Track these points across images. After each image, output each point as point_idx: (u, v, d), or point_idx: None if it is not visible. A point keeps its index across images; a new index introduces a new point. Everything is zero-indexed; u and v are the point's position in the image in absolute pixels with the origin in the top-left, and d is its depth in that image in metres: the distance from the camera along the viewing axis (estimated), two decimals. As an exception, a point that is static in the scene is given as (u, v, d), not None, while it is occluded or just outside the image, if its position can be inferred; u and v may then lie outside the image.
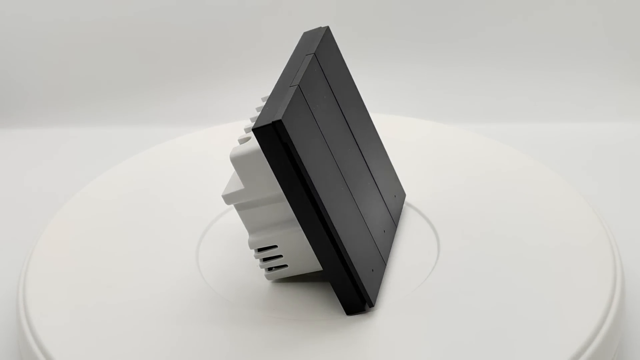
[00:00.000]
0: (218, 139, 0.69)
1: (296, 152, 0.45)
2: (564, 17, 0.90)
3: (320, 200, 0.46)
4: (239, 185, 0.50)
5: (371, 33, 0.91)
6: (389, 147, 0.63)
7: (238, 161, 0.48)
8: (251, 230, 0.51)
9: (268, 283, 0.54)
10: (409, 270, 0.54)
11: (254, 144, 0.48)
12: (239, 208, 0.51)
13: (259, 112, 0.51)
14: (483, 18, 0.90)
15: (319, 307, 0.51)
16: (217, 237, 0.59)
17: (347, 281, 0.49)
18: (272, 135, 0.44)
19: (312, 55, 0.50)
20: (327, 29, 0.54)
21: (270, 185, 0.49)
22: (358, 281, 0.49)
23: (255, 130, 0.44)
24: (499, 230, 0.57)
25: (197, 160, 0.68)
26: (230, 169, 0.54)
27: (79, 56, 0.91)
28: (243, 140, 0.49)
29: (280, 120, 0.44)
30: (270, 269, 0.53)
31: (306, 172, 0.46)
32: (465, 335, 0.49)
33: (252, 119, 0.51)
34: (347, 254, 0.48)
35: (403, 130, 0.71)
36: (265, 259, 0.52)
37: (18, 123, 0.88)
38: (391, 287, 0.53)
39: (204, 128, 0.74)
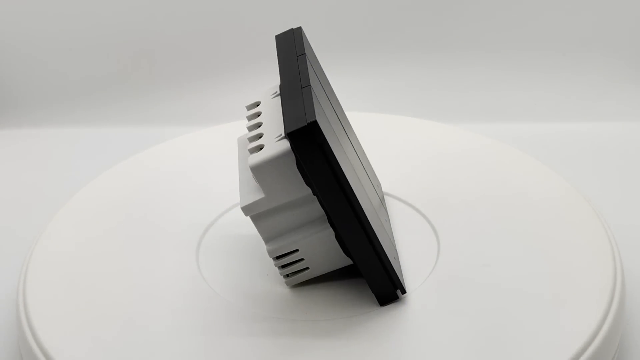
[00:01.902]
0: (218, 139, 0.69)
1: (330, 150, 0.45)
2: (564, 17, 0.90)
3: (355, 195, 0.47)
4: (257, 194, 0.49)
5: (371, 33, 0.91)
6: (387, 145, 0.64)
7: (259, 169, 0.47)
8: (268, 238, 0.51)
9: (274, 285, 0.54)
10: (415, 257, 0.55)
11: (272, 150, 0.47)
12: (255, 218, 0.50)
13: (253, 121, 0.51)
14: (483, 18, 0.90)
15: (342, 304, 0.52)
16: (217, 237, 0.59)
17: (381, 271, 0.50)
18: (307, 137, 0.45)
19: (303, 55, 0.51)
20: (300, 29, 0.54)
21: (291, 190, 0.49)
22: (391, 270, 0.50)
23: (291, 133, 0.44)
24: (498, 229, 0.57)
25: (197, 160, 0.68)
26: (231, 170, 0.54)
27: (79, 56, 0.91)
28: (254, 149, 0.48)
29: (315, 121, 0.44)
30: (287, 275, 0.53)
31: (340, 169, 0.46)
32: (492, 308, 0.51)
33: (249, 128, 0.51)
34: (380, 245, 0.49)
35: (402, 129, 0.71)
36: (284, 265, 0.52)
37: (18, 123, 0.88)
38: (407, 274, 0.53)
39: (204, 128, 0.74)
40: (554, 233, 0.57)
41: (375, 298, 0.51)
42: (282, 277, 0.53)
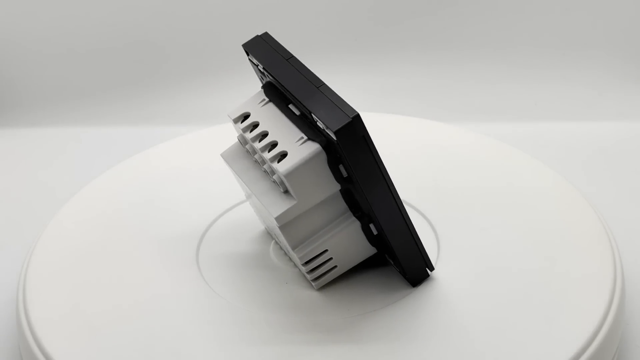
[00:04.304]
0: (218, 139, 0.69)
1: (371, 142, 0.46)
2: (564, 16, 0.90)
3: (392, 183, 0.48)
4: (288, 201, 0.49)
5: (370, 33, 0.91)
6: (388, 145, 0.63)
7: (293, 174, 0.47)
8: (295, 244, 0.51)
9: (275, 285, 0.54)
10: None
11: (301, 154, 0.47)
12: (285, 226, 0.50)
13: (255, 132, 0.50)
14: (483, 18, 0.90)
15: (372, 297, 0.53)
16: (217, 237, 0.59)
17: (416, 252, 0.51)
18: (353, 131, 0.45)
19: (293, 58, 0.50)
20: (267, 34, 0.53)
21: (320, 190, 0.49)
22: (422, 250, 0.52)
23: (338, 131, 0.45)
24: (497, 229, 0.57)
25: (197, 160, 0.68)
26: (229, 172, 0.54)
27: (79, 56, 0.91)
28: (275, 157, 0.48)
29: (358, 115, 0.45)
30: (317, 277, 0.53)
31: (380, 159, 0.47)
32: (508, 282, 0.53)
33: (252, 138, 0.50)
34: (414, 228, 0.51)
35: (402, 129, 0.71)
36: (313, 269, 0.52)
37: (18, 123, 0.88)
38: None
39: (204, 128, 0.74)
40: (554, 232, 0.57)
41: (393, 289, 0.53)
42: (303, 281, 0.53)
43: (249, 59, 0.52)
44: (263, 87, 0.52)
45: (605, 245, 0.56)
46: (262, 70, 0.51)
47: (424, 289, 0.53)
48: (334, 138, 0.45)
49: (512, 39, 0.90)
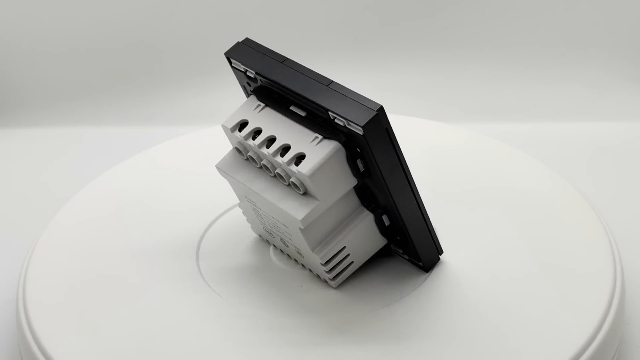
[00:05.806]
0: (218, 139, 0.69)
1: (393, 133, 0.47)
2: (564, 16, 0.90)
3: (410, 173, 0.49)
4: (310, 202, 0.48)
5: (370, 32, 0.91)
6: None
7: (316, 174, 0.47)
8: (314, 245, 0.51)
9: (291, 289, 0.54)
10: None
11: (320, 153, 0.47)
12: (306, 228, 0.49)
13: (261, 138, 0.49)
14: (483, 18, 0.90)
15: (385, 291, 0.53)
16: (217, 237, 0.59)
17: (429, 237, 0.53)
18: (377, 124, 0.45)
19: (288, 60, 0.50)
20: (249, 40, 0.52)
21: (339, 187, 0.49)
22: (434, 234, 0.53)
23: (366, 125, 0.45)
24: (497, 229, 0.57)
25: (197, 161, 0.67)
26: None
27: (79, 56, 0.91)
28: (292, 160, 0.47)
29: (382, 107, 0.45)
30: (336, 275, 0.53)
31: (400, 150, 0.48)
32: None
33: (259, 144, 0.49)
34: (427, 214, 0.52)
35: (402, 129, 0.71)
36: (332, 267, 0.52)
37: (18, 123, 0.88)
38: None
39: (204, 128, 0.74)
40: (553, 232, 0.57)
41: (408, 278, 0.54)
42: (317, 282, 0.54)
43: (232, 67, 0.51)
44: (254, 92, 0.51)
45: (605, 245, 0.56)
46: (252, 76, 0.50)
47: (437, 275, 0.54)
48: (359, 133, 0.45)
49: (512, 39, 0.90)
